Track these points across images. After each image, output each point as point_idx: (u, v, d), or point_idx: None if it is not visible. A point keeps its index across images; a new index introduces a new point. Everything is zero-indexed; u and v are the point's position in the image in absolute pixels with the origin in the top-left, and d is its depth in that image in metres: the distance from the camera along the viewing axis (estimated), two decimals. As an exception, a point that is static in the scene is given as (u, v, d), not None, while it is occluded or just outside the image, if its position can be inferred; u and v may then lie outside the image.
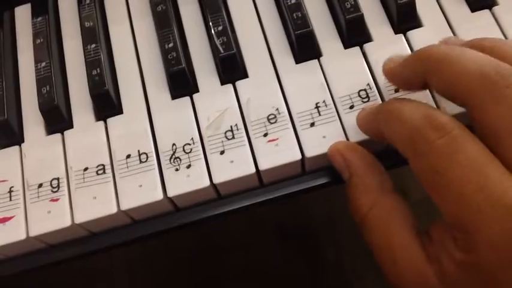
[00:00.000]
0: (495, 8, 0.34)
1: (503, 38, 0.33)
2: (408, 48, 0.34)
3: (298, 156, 0.31)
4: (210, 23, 0.35)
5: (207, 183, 0.31)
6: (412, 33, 0.34)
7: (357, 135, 0.31)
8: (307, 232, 0.62)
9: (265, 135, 0.32)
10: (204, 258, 0.61)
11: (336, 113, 0.32)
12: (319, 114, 0.32)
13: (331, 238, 0.60)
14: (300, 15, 0.34)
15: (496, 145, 0.23)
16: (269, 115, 0.33)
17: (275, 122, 0.32)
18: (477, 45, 0.27)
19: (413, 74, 0.28)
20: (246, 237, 0.61)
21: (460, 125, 0.24)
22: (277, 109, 0.33)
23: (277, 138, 0.32)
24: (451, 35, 0.34)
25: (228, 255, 0.61)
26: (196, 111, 0.34)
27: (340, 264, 0.59)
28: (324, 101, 0.33)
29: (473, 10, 0.35)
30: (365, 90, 0.33)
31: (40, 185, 0.33)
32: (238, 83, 0.34)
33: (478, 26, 0.34)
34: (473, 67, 0.24)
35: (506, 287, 0.22)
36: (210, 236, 0.61)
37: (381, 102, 0.32)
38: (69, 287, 0.62)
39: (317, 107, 0.32)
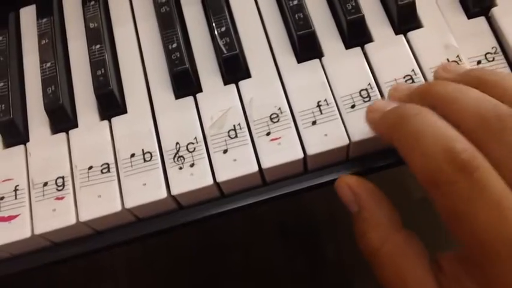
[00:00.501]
0: (491, 15, 0.35)
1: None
2: (408, 48, 0.34)
3: (301, 155, 0.32)
4: (213, 24, 0.35)
5: (210, 181, 0.32)
6: (412, 34, 0.35)
7: (358, 134, 0.32)
8: (308, 231, 0.62)
9: (268, 134, 0.33)
10: (205, 256, 0.61)
11: (337, 111, 0.33)
12: (321, 113, 0.33)
13: (332, 237, 0.60)
14: (302, 16, 0.34)
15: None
16: (271, 114, 0.33)
17: (277, 121, 0.33)
18: (479, 80, 0.28)
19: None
20: (247, 236, 0.62)
21: (482, 160, 0.24)
22: (279, 108, 0.33)
23: (280, 137, 0.32)
24: (451, 35, 0.34)
25: (229, 254, 0.61)
26: (200, 110, 0.34)
27: (341, 263, 0.59)
28: (325, 100, 0.33)
29: (470, 17, 0.35)
30: (366, 89, 0.33)
31: (45, 184, 0.33)
32: (241, 83, 0.34)
33: (473, 33, 0.34)
34: (475, 107, 0.25)
35: None
36: (211, 234, 0.61)
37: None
38: (72, 286, 0.62)
39: (319, 106, 0.33)
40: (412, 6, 0.34)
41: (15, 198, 0.33)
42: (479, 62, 0.33)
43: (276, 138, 0.32)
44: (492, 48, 0.34)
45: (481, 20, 0.35)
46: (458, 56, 0.34)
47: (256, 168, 0.32)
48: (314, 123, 0.32)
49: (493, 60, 0.33)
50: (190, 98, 0.35)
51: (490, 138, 0.24)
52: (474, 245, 0.23)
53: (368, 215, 0.29)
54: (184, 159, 0.33)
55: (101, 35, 0.36)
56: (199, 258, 0.61)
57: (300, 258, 0.60)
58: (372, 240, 0.28)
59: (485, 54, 0.34)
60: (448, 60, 0.33)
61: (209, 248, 0.61)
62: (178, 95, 0.35)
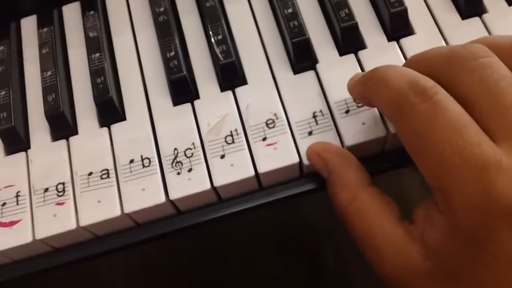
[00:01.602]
0: (485, 16, 0.35)
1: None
2: (401, 55, 0.35)
3: (296, 160, 0.33)
4: (210, 32, 0.36)
5: (208, 186, 0.32)
6: (405, 41, 0.35)
7: (352, 139, 0.32)
8: (307, 240, 0.62)
9: (264, 139, 0.33)
10: (204, 266, 0.61)
11: (332, 122, 0.33)
12: (317, 123, 0.33)
13: (332, 246, 0.60)
14: (296, 24, 0.35)
15: (471, 112, 0.25)
16: (267, 120, 0.34)
17: (273, 127, 0.33)
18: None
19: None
20: (246, 246, 0.61)
21: (442, 90, 0.25)
22: (275, 114, 0.34)
23: (276, 142, 0.33)
24: (443, 42, 0.35)
25: (228, 264, 0.61)
26: (197, 117, 0.35)
27: (340, 273, 0.59)
28: (321, 111, 0.34)
29: (464, 17, 0.36)
30: (360, 95, 0.34)
31: (46, 190, 0.34)
32: (238, 90, 0.35)
33: (468, 33, 0.35)
34: (445, 49, 0.27)
35: (488, 247, 0.23)
36: (210, 244, 0.62)
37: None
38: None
39: (314, 117, 0.34)
40: (405, 14, 0.35)
41: (17, 204, 0.34)
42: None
43: (272, 144, 0.33)
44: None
45: (476, 21, 0.36)
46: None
47: (252, 173, 0.32)
48: (310, 133, 0.33)
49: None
50: (188, 105, 0.35)
51: (461, 69, 0.26)
52: (433, 165, 0.25)
53: (336, 177, 0.30)
54: (182, 164, 0.33)
55: (100, 44, 0.37)
56: (198, 268, 0.61)
57: (299, 268, 0.60)
58: (341, 200, 0.29)
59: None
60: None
61: (208, 258, 0.61)
62: (176, 102, 0.36)
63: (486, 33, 0.35)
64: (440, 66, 0.27)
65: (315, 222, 0.62)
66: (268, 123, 0.34)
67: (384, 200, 0.29)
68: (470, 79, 0.25)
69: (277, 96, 0.35)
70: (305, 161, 0.32)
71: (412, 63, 0.29)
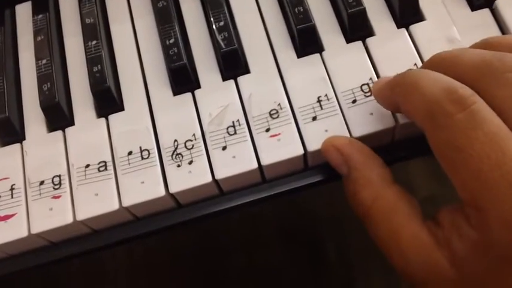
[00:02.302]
0: (495, 4, 0.34)
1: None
2: (410, 42, 0.34)
3: (301, 151, 0.31)
4: (212, 19, 0.35)
5: (209, 179, 0.31)
6: (414, 27, 0.34)
7: (359, 129, 0.31)
8: (309, 232, 0.61)
9: (268, 130, 0.32)
10: (206, 259, 0.61)
11: (338, 107, 0.32)
12: (321, 108, 0.32)
13: (334, 238, 0.60)
14: (301, 9, 0.34)
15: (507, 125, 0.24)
16: (271, 110, 0.32)
17: (277, 117, 0.32)
18: (482, 43, 0.28)
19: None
20: (248, 238, 0.61)
21: (481, 99, 0.24)
22: (279, 104, 0.33)
23: (279, 134, 0.32)
24: (454, 28, 0.34)
25: (230, 256, 0.61)
26: (198, 107, 0.33)
27: (343, 265, 0.59)
28: (326, 95, 0.32)
29: (473, 9, 0.35)
30: (367, 84, 0.32)
31: (42, 182, 0.33)
32: (240, 79, 0.34)
33: (477, 25, 0.34)
34: (477, 57, 0.25)
35: None
36: (212, 237, 0.61)
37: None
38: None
39: (319, 101, 0.32)
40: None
41: (12, 197, 0.33)
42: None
43: (276, 135, 0.32)
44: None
45: (485, 12, 0.34)
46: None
47: (255, 165, 0.31)
48: (314, 118, 0.32)
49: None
50: (189, 95, 0.34)
51: (493, 82, 0.24)
52: (469, 179, 0.23)
53: (358, 174, 0.29)
54: (182, 156, 0.32)
55: (97, 31, 0.36)
56: (199, 261, 0.61)
57: (301, 260, 0.59)
58: (364, 198, 0.28)
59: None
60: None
61: (210, 251, 0.61)
62: (176, 92, 0.34)
63: (494, 23, 0.34)
64: (471, 75, 0.25)
65: (316, 213, 0.62)
66: (272, 113, 0.32)
67: (408, 199, 0.28)
68: (505, 93, 0.24)
69: (281, 86, 0.33)
70: (310, 148, 0.31)
71: (438, 65, 0.27)
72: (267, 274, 0.59)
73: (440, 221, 0.26)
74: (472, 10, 0.35)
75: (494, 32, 0.33)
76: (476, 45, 0.28)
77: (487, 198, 0.23)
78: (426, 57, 0.33)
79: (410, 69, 0.28)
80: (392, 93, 0.28)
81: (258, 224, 0.61)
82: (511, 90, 0.24)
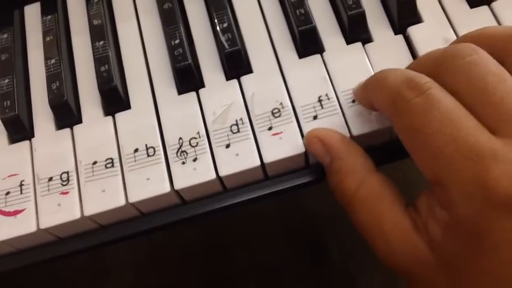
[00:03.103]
0: (494, 4, 0.35)
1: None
2: (407, 48, 0.34)
3: (302, 149, 0.32)
4: (215, 20, 0.35)
5: (213, 175, 0.32)
6: (412, 29, 0.35)
7: (359, 128, 0.32)
8: (311, 230, 0.62)
9: (270, 128, 0.33)
10: (208, 257, 0.61)
11: (338, 106, 0.33)
12: (322, 107, 0.33)
13: (336, 237, 0.60)
14: (303, 11, 0.34)
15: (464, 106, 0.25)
16: (273, 109, 0.33)
17: (279, 116, 0.33)
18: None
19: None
20: (251, 236, 0.62)
21: (436, 84, 0.26)
22: (281, 103, 0.33)
23: (282, 132, 0.33)
24: (451, 30, 0.35)
25: (232, 254, 0.61)
26: (202, 106, 0.34)
27: (345, 263, 0.59)
28: (326, 94, 0.33)
29: (472, 6, 0.35)
30: (367, 84, 0.33)
31: (50, 179, 0.34)
32: (243, 78, 0.35)
33: (476, 22, 0.34)
34: (436, 52, 0.28)
35: (489, 237, 0.23)
36: (216, 234, 0.62)
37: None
38: (76, 285, 0.62)
39: (320, 100, 0.33)
40: (412, 1, 0.35)
41: (21, 193, 0.33)
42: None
43: (278, 133, 0.33)
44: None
45: (484, 9, 0.35)
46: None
47: (258, 163, 0.32)
48: (315, 117, 0.33)
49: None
50: (193, 94, 0.35)
51: (447, 68, 0.26)
52: (430, 158, 0.25)
53: (341, 163, 0.30)
54: (187, 154, 0.33)
55: (104, 32, 0.36)
56: (202, 259, 0.61)
57: (303, 258, 0.60)
58: (347, 186, 0.29)
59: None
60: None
61: (212, 248, 0.61)
62: (181, 91, 0.35)
63: (495, 22, 0.35)
64: (432, 67, 0.27)
65: (319, 211, 0.62)
66: (274, 112, 0.33)
67: (391, 186, 0.29)
68: (458, 78, 0.26)
69: (283, 85, 0.34)
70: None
71: (413, 66, 0.30)
72: (269, 271, 0.60)
73: (418, 206, 0.27)
74: (471, 7, 0.35)
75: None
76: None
77: (446, 174, 0.24)
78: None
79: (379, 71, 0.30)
80: (366, 92, 0.30)
81: (261, 221, 0.62)
82: (463, 75, 0.25)
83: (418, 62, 0.30)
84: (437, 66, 0.27)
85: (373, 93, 0.29)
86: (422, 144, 0.25)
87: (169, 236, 0.62)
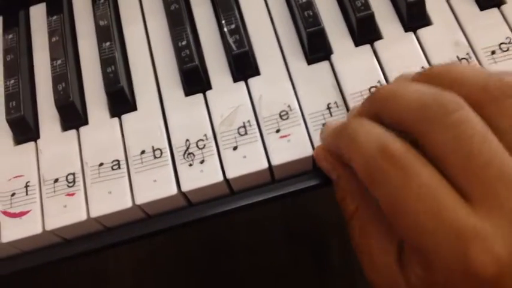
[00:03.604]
0: (504, 7, 0.35)
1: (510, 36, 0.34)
2: (418, 46, 0.34)
3: (310, 152, 0.32)
4: (223, 21, 0.35)
5: (220, 178, 0.32)
6: (421, 32, 0.35)
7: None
8: (314, 234, 0.62)
9: (278, 131, 0.33)
10: (211, 260, 0.61)
11: (347, 113, 0.33)
12: (331, 115, 0.33)
13: (339, 240, 0.60)
14: (311, 13, 0.34)
15: (444, 170, 0.24)
16: (281, 111, 0.33)
17: (287, 119, 0.33)
18: (425, 75, 0.28)
19: (368, 115, 0.28)
20: (253, 240, 0.61)
21: (412, 152, 0.25)
22: (288, 106, 0.33)
23: (289, 134, 0.33)
24: (460, 33, 0.34)
25: (235, 258, 0.61)
26: (209, 108, 0.34)
27: (347, 266, 0.59)
28: (335, 102, 0.33)
29: (482, 8, 0.35)
30: (376, 87, 0.33)
31: (56, 180, 0.33)
32: (251, 80, 0.35)
33: (486, 24, 0.34)
34: (415, 99, 0.25)
35: None
36: (218, 237, 0.61)
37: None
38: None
39: (329, 108, 0.33)
40: (422, 4, 0.34)
41: (26, 194, 0.33)
42: (493, 52, 0.33)
43: (286, 136, 0.33)
44: (506, 38, 0.34)
45: (494, 11, 0.35)
46: (468, 53, 0.34)
47: (266, 165, 0.32)
48: (324, 125, 0.33)
49: (508, 50, 0.33)
50: (200, 95, 0.35)
51: (431, 126, 0.24)
52: (409, 232, 0.24)
53: (345, 182, 0.30)
54: (194, 156, 0.33)
55: (110, 33, 0.36)
56: (203, 262, 0.61)
57: (305, 262, 0.60)
58: (348, 206, 0.29)
59: (500, 45, 0.34)
60: (457, 57, 0.33)
61: (215, 251, 0.61)
62: (188, 92, 0.35)
63: (505, 24, 0.34)
64: (409, 118, 0.25)
65: (321, 215, 0.62)
66: (282, 114, 0.33)
67: None
68: (441, 139, 0.24)
69: (291, 87, 0.34)
70: None
71: (379, 103, 0.28)
72: (271, 275, 0.60)
73: (404, 244, 0.27)
74: (481, 10, 0.35)
75: (504, 30, 0.34)
76: (420, 76, 0.28)
77: (425, 246, 0.24)
78: (433, 61, 0.34)
79: (350, 120, 0.29)
80: (336, 145, 0.29)
81: (263, 225, 0.62)
82: (447, 135, 0.24)
83: (398, 107, 0.26)
84: (421, 121, 0.25)
85: (345, 152, 0.28)
86: (400, 217, 0.24)
87: (170, 239, 0.62)
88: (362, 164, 0.26)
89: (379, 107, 0.27)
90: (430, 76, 0.27)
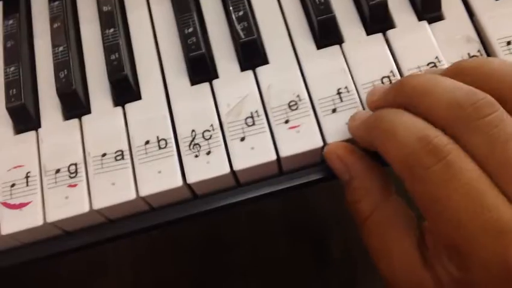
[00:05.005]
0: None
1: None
2: (432, 35, 0.33)
3: (320, 144, 0.31)
4: (231, 8, 0.34)
5: (227, 169, 0.31)
6: (433, 26, 0.34)
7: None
8: (315, 229, 0.61)
9: (287, 122, 0.32)
10: (211, 253, 0.60)
11: (358, 99, 0.32)
12: (341, 100, 0.32)
13: (339, 235, 0.60)
14: (322, 0, 0.33)
15: (483, 169, 0.24)
16: (290, 102, 0.32)
17: (296, 109, 0.32)
18: (456, 70, 0.27)
19: (394, 104, 0.28)
20: (254, 234, 0.61)
21: (456, 147, 0.24)
22: (298, 96, 0.32)
23: (299, 125, 0.32)
24: (472, 29, 0.33)
25: (235, 251, 0.60)
26: (216, 97, 0.33)
27: (348, 261, 0.59)
28: (346, 87, 0.32)
29: (497, -1, 0.34)
30: (388, 77, 0.32)
31: (57, 171, 0.32)
32: (259, 69, 0.33)
33: (502, 14, 0.33)
34: (448, 98, 0.25)
35: None
36: (217, 230, 0.61)
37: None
38: (74, 279, 0.62)
39: (339, 93, 0.32)
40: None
41: (27, 185, 0.32)
42: (509, 43, 0.32)
43: (295, 126, 0.32)
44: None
45: (506, 6, 0.34)
46: (479, 50, 0.33)
47: (274, 157, 0.31)
48: (334, 111, 0.32)
49: (525, 39, 0.32)
50: (206, 85, 0.34)
51: (465, 128, 0.24)
52: (449, 229, 0.24)
53: (358, 184, 0.29)
54: (200, 146, 0.32)
55: (114, 19, 0.35)
56: (204, 255, 0.60)
57: (306, 256, 0.59)
58: (362, 209, 0.28)
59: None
60: (468, 55, 0.33)
61: (214, 244, 0.61)
62: (194, 81, 0.34)
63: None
64: (443, 115, 0.25)
65: (322, 210, 0.61)
66: (291, 105, 0.32)
67: (405, 213, 0.28)
68: (476, 140, 0.24)
69: (300, 77, 0.33)
70: (328, 141, 0.31)
71: (410, 95, 0.27)
72: (271, 269, 0.59)
73: (426, 241, 0.26)
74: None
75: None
76: (449, 71, 0.27)
77: (465, 246, 0.23)
78: (445, 56, 0.32)
79: (384, 111, 0.27)
80: (368, 135, 0.28)
81: (264, 219, 0.61)
82: (481, 137, 0.23)
83: (431, 104, 0.26)
84: (453, 121, 0.24)
85: (380, 144, 0.27)
86: (440, 214, 0.24)
87: (169, 232, 0.61)
88: (401, 157, 0.25)
89: (408, 101, 0.26)
90: (461, 71, 0.26)
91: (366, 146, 0.30)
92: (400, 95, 0.27)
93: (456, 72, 0.27)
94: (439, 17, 0.34)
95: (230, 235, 0.61)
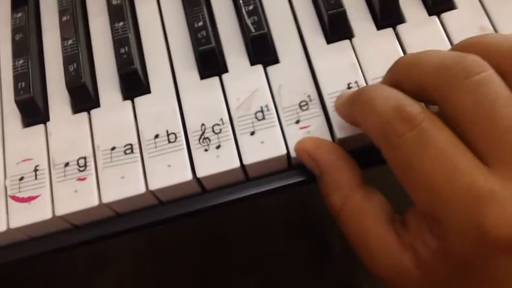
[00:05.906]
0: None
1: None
2: (442, 30, 0.33)
3: (329, 139, 0.31)
4: (241, 2, 0.34)
5: (237, 164, 0.31)
6: (446, 16, 0.33)
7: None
8: (314, 225, 0.61)
9: (297, 122, 0.32)
10: (210, 249, 0.60)
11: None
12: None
13: (339, 233, 0.59)
14: (332, -5, 0.33)
15: (464, 134, 0.24)
16: (301, 102, 0.32)
17: (307, 109, 0.32)
18: (456, 47, 0.27)
19: (391, 83, 0.28)
20: (253, 229, 0.61)
21: (430, 115, 0.24)
22: (308, 96, 0.32)
23: (309, 126, 0.31)
24: (485, 18, 0.33)
25: (234, 248, 0.60)
26: (226, 91, 0.33)
27: (347, 258, 0.58)
28: (356, 82, 0.32)
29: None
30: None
31: (66, 164, 0.32)
32: (269, 69, 0.33)
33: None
34: (437, 62, 0.25)
35: (478, 271, 0.23)
36: (217, 225, 0.61)
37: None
38: (74, 275, 0.61)
39: (349, 88, 0.32)
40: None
41: (35, 178, 0.32)
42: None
43: (306, 127, 0.31)
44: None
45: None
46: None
47: (284, 151, 0.31)
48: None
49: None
50: (216, 79, 0.34)
51: (452, 88, 0.24)
52: (424, 196, 0.24)
53: (328, 178, 0.29)
54: (210, 140, 0.32)
55: (124, 12, 0.35)
56: (202, 251, 0.60)
57: (305, 252, 0.59)
58: (334, 202, 0.29)
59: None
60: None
61: (214, 239, 0.60)
62: (203, 75, 0.34)
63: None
64: (431, 81, 0.25)
65: (322, 206, 0.61)
66: (302, 105, 0.32)
67: (376, 200, 0.28)
68: (462, 100, 0.24)
69: (311, 76, 0.33)
70: (338, 136, 0.31)
71: (401, 69, 0.27)
72: (270, 264, 0.59)
73: (407, 223, 0.26)
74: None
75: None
76: (455, 47, 0.28)
77: (442, 212, 0.23)
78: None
79: (366, 86, 0.28)
80: (351, 110, 0.29)
81: (264, 215, 0.61)
82: (468, 97, 0.23)
83: (410, 66, 0.26)
84: (437, 82, 0.25)
85: (359, 116, 0.27)
86: (416, 180, 0.24)
87: (169, 227, 0.61)
88: (377, 127, 0.25)
89: (401, 74, 0.27)
90: (460, 47, 0.27)
91: (350, 122, 0.30)
92: (396, 72, 0.28)
93: (456, 49, 0.27)
94: (451, 8, 0.34)
95: (230, 230, 0.61)
